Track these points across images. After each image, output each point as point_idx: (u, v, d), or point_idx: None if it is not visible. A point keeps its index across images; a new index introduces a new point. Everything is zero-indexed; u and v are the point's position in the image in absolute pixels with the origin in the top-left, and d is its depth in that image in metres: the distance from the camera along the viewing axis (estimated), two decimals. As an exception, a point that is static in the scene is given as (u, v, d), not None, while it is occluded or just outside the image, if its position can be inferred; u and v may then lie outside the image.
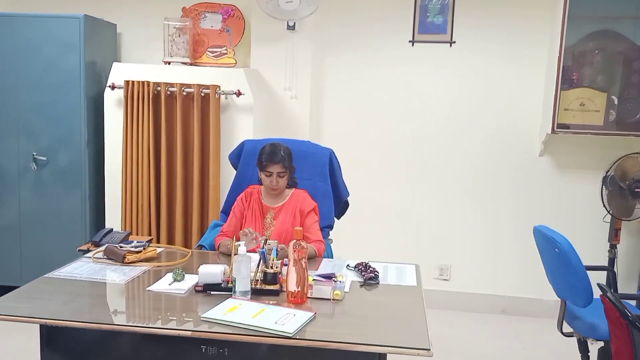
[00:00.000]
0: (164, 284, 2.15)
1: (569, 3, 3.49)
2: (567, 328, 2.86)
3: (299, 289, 1.97)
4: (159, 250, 2.57)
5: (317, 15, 3.76)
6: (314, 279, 2.06)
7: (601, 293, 2.30)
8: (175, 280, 2.17)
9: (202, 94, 3.53)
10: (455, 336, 3.62)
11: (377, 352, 1.73)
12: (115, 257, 2.38)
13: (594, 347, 2.83)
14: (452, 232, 4.07)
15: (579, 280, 2.63)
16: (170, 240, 3.66)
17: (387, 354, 1.75)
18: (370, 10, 3.96)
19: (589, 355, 2.81)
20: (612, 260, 3.69)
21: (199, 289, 2.08)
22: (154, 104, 3.54)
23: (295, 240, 1.97)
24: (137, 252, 2.41)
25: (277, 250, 2.15)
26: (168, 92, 3.53)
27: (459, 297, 4.06)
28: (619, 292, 3.64)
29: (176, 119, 3.55)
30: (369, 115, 4.06)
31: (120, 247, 2.43)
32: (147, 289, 2.10)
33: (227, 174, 3.44)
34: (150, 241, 2.63)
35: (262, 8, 3.63)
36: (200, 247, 2.84)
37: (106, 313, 1.94)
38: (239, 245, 2.03)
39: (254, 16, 3.86)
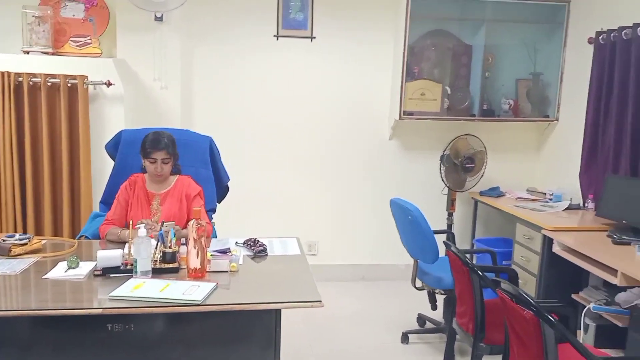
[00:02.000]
0: (60, 271, 2.20)
1: (410, 5, 4.03)
2: (418, 283, 3.40)
3: (200, 264, 2.16)
4: (43, 242, 2.56)
5: (185, 6, 3.87)
6: (211, 254, 2.26)
7: (447, 249, 2.82)
8: (70, 267, 2.23)
9: (69, 85, 3.46)
10: (325, 304, 4.01)
11: (276, 308, 2.00)
12: (0, 251, 2.34)
13: (440, 298, 3.40)
14: (318, 211, 4.47)
15: (428, 241, 3.16)
16: (38, 234, 3.55)
17: (283, 310, 2.03)
18: (236, 4, 4.16)
19: (436, 305, 3.37)
20: (450, 226, 4.37)
21: (98, 273, 2.17)
22: (15, 95, 3.39)
23: (194, 220, 2.16)
24: (23, 245, 2.39)
25: (174, 231, 2.31)
26: (30, 83, 3.41)
27: (325, 269, 4.48)
28: (463, 248, 4.31)
29: (41, 111, 3.45)
30: (239, 105, 4.28)
31: (4, 240, 2.39)
32: (44, 277, 2.14)
33: (103, 165, 3.44)
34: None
35: (129, -1, 3.65)
36: (82, 237, 2.86)
37: (6, 301, 1.96)
38: (139, 227, 2.16)
39: (118, 6, 3.85)
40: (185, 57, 4.10)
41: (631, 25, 3.33)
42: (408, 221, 3.21)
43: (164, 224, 2.35)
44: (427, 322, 3.63)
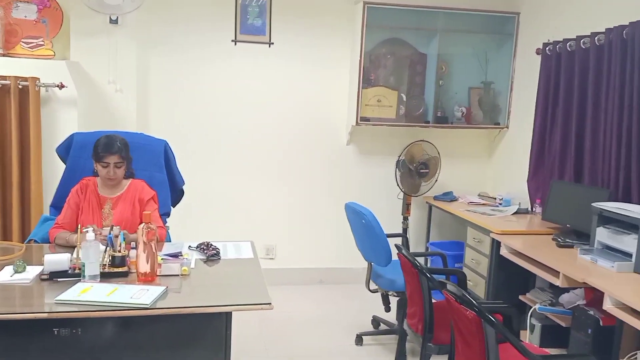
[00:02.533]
0: (6, 276, 2.16)
1: (366, 14, 4.11)
2: (372, 286, 3.46)
3: (149, 268, 2.16)
4: (-12, 246, 2.51)
5: (141, 10, 3.84)
6: (162, 258, 2.26)
7: (398, 252, 2.89)
8: (16, 272, 2.19)
9: (20, 87, 3.40)
10: (282, 307, 4.04)
11: (225, 311, 2.02)
12: (-58, 256, 2.28)
13: (394, 300, 3.47)
14: (276, 215, 4.49)
15: (381, 244, 3.22)
16: (-14, 239, 3.46)
17: (234, 312, 2.05)
18: (194, 9, 4.16)
19: (390, 306, 3.43)
20: (405, 230, 4.46)
21: (45, 277, 2.14)
22: (-38, 96, 3.31)
23: (144, 224, 2.15)
24: (-33, 249, 2.34)
25: (123, 235, 2.29)
26: (-21, 84, 3.33)
27: (283, 273, 4.50)
28: (411, 252, 4.40)
29: (-11, 112, 3.36)
30: (196, 109, 4.27)
31: (-54, 245, 2.33)
32: (-12, 282, 2.10)
33: (54, 168, 3.38)
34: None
35: (84, 1, 3.60)
36: (31, 241, 2.81)
37: (-54, 309, 1.91)
38: (87, 231, 2.14)
39: (72, 8, 3.79)
40: (141, 61, 4.07)
41: (575, 37, 3.49)
42: (362, 225, 3.27)
43: (113, 227, 2.33)
44: (381, 323, 3.70)
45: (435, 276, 3.17)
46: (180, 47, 4.18)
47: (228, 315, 2.08)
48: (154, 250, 2.17)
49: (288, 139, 4.45)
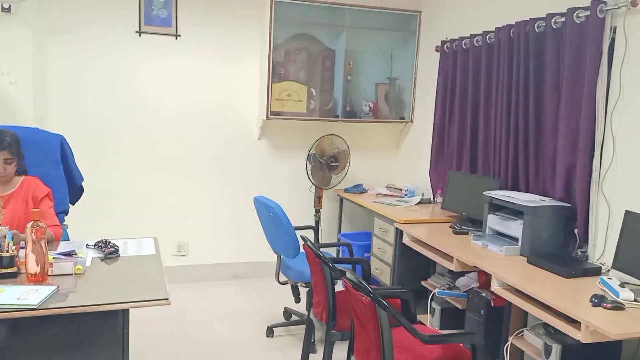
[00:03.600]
0: None
1: (274, 9, 4.14)
2: (282, 278, 3.51)
3: (39, 268, 2.08)
4: None
5: (36, -1, 3.66)
6: (54, 257, 2.18)
7: (303, 243, 2.95)
8: None
9: None
10: (193, 304, 4.01)
11: (120, 309, 1.98)
12: None
13: (304, 291, 3.54)
14: (187, 211, 4.43)
15: (289, 237, 3.28)
16: None
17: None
18: (94, -2, 4.01)
19: (300, 297, 3.50)
20: (317, 222, 4.54)
21: None
22: None
23: (32, 222, 2.07)
24: None
25: (11, 235, 2.19)
26: None
27: (196, 269, 4.46)
28: (321, 243, 4.48)
29: None
30: (99, 103, 4.12)
31: None
32: None
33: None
34: None
35: (-32, -14, 3.37)
36: None
37: None
38: (-29, 232, 2.03)
39: (-43, -7, 3.54)
40: (38, 52, 3.86)
41: (469, 35, 3.70)
42: (270, 218, 3.31)
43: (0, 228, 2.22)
44: (292, 315, 3.76)
45: (341, 266, 3.28)
46: (82, 37, 4.01)
47: (125, 313, 2.04)
48: (44, 250, 2.09)
49: (198, 133, 4.39)
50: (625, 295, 2.17)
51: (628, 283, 2.31)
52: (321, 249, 3.93)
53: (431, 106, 4.22)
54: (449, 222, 3.55)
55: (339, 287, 2.60)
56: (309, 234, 4.26)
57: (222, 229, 4.55)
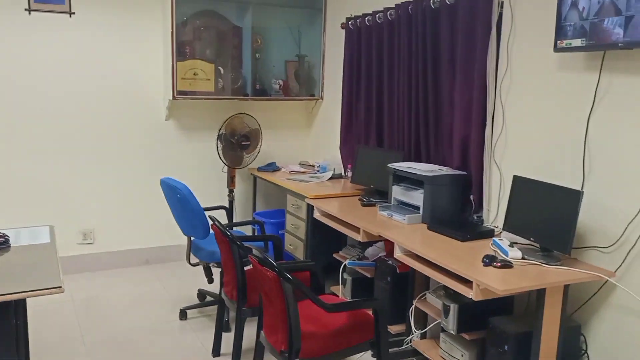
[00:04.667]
0: None
1: (175, -16, 4.00)
2: (194, 260, 3.46)
3: None
4: None
5: None
6: None
7: (212, 223, 2.92)
8: None
9: None
10: (105, 292, 3.87)
11: (10, 299, 1.88)
12: None
13: (216, 271, 3.51)
14: (92, 197, 4.24)
15: (198, 218, 3.23)
16: None
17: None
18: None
19: (213, 278, 3.47)
20: (231, 202, 4.51)
21: None
22: None
23: None
24: None
25: None
26: None
27: (105, 257, 4.30)
28: (234, 222, 4.44)
29: None
30: (-15, 85, 3.82)
31: None
32: None
33: None
34: None
35: None
36: None
37: None
38: None
39: None
40: None
41: (371, 12, 3.76)
42: (177, 200, 3.24)
43: None
44: (207, 296, 3.73)
45: (253, 243, 3.29)
46: (-39, 14, 3.69)
47: (18, 304, 1.94)
48: None
49: (101, 116, 4.20)
50: (514, 254, 2.32)
51: (517, 243, 2.48)
52: (235, 229, 3.94)
53: (339, 83, 4.28)
54: (358, 195, 3.64)
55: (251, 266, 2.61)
56: (222, 215, 4.24)
57: (130, 214, 4.40)
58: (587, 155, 2.36)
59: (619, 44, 2.05)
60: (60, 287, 1.93)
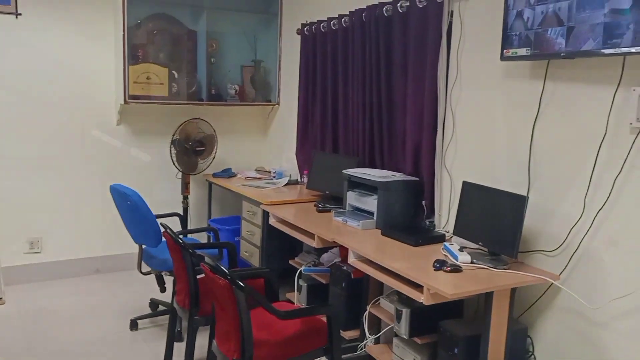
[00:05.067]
0: None
1: (127, -14, 3.91)
2: (146, 268, 3.38)
3: None
4: None
5: None
6: None
7: (163, 231, 2.86)
8: None
9: None
10: (53, 303, 3.73)
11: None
12: None
13: (169, 279, 3.45)
14: (39, 204, 4.09)
15: (150, 225, 3.16)
16: None
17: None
18: None
19: (165, 287, 3.39)
20: (185, 209, 4.43)
21: None
22: None
23: None
24: None
25: None
26: None
27: (53, 267, 4.16)
28: (189, 229, 4.37)
29: None
30: None
31: None
32: None
33: None
34: None
35: None
36: None
37: None
38: None
39: None
40: None
41: (326, 19, 3.78)
42: (128, 207, 3.16)
43: None
44: (159, 305, 3.65)
45: (206, 251, 3.24)
46: None
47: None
48: None
49: (49, 120, 4.06)
50: (464, 258, 2.36)
51: (467, 247, 2.53)
52: (189, 236, 3.87)
53: (296, 89, 4.28)
54: (314, 201, 3.64)
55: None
56: (175, 222, 4.17)
57: (80, 221, 4.27)
58: (532, 161, 2.43)
59: (562, 54, 2.12)
60: (0, 298, 1.84)
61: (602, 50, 1.95)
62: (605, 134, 2.10)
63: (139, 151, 4.44)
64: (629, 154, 2.01)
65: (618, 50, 1.90)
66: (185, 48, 4.38)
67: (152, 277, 3.44)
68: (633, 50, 1.85)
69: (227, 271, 2.13)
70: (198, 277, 2.68)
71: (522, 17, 2.27)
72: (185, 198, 4.45)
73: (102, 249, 4.36)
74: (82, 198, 4.25)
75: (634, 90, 1.97)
